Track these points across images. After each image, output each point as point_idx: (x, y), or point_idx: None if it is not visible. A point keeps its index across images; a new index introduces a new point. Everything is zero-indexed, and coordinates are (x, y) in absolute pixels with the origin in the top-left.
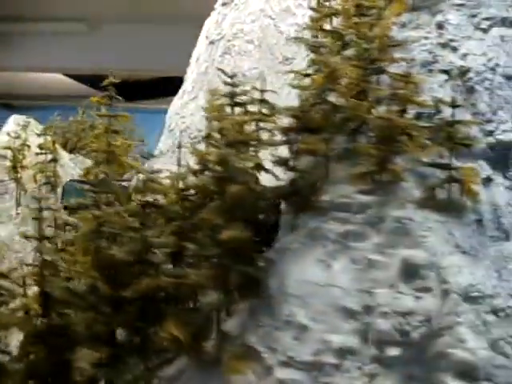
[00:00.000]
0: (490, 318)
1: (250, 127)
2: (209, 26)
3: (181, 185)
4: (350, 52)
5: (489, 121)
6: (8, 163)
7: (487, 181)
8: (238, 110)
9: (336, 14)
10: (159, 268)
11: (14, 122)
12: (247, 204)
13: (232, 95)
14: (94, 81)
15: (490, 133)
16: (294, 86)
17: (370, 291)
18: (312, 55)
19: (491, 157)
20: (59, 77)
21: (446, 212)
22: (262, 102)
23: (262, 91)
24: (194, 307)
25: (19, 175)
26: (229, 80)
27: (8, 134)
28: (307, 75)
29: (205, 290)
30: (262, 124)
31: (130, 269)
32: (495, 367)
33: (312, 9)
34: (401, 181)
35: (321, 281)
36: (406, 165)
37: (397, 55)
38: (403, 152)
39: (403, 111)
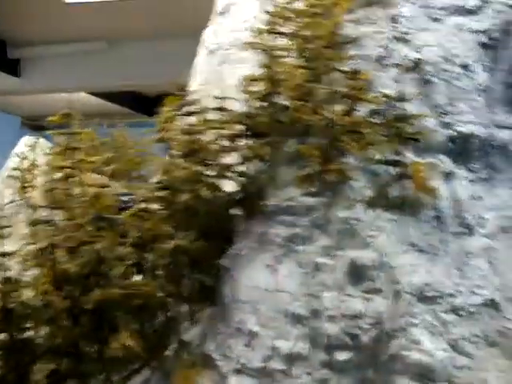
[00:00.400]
0: (450, 317)
1: (210, 136)
2: (207, 36)
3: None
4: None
5: (448, 113)
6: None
7: (449, 175)
8: (194, 119)
9: (293, 15)
10: (111, 280)
11: (24, 142)
12: (200, 212)
13: (183, 105)
14: (118, 98)
15: (450, 125)
16: (242, 91)
17: (318, 295)
18: (263, 59)
19: (452, 150)
20: (83, 95)
21: (400, 210)
22: (220, 110)
23: (221, 99)
24: (152, 317)
25: (29, 195)
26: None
27: (17, 155)
28: (256, 80)
29: (163, 300)
30: (219, 132)
31: (85, 281)
32: (456, 368)
33: (267, 12)
34: (349, 180)
35: (269, 286)
36: (357, 164)
37: (350, 52)
38: (352, 151)
39: (352, 109)
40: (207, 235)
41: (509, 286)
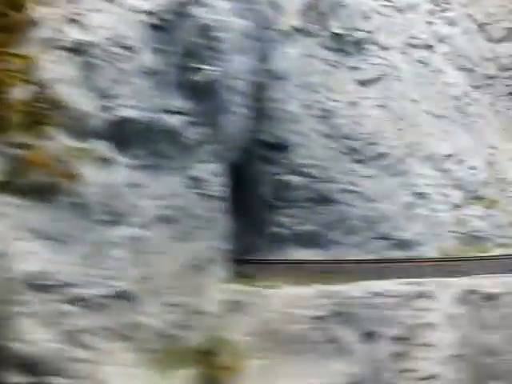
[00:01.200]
0: (72, 308)
1: None
2: None
3: None
4: None
5: (109, 96)
6: None
7: (104, 161)
8: None
9: None
10: None
11: None
12: None
13: None
14: None
15: (111, 109)
16: None
17: None
18: None
19: (111, 135)
20: None
21: (30, 196)
22: None
23: None
24: None
25: None
26: None
27: None
28: None
29: None
30: None
31: None
32: (70, 360)
33: None
34: None
35: None
36: None
37: (19, 36)
38: None
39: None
40: None
41: (150, 277)
